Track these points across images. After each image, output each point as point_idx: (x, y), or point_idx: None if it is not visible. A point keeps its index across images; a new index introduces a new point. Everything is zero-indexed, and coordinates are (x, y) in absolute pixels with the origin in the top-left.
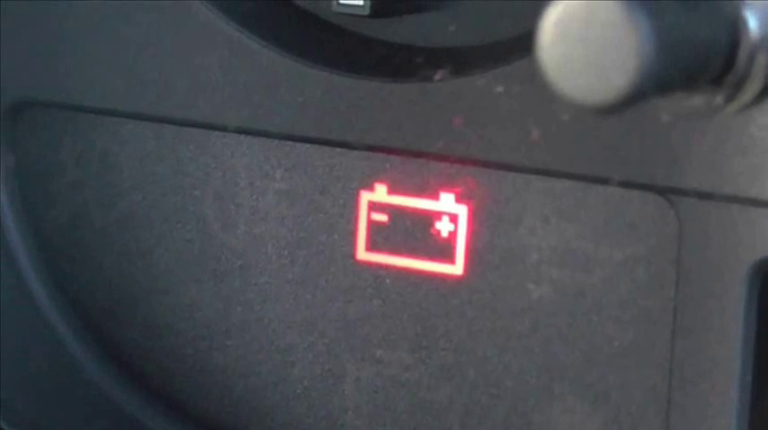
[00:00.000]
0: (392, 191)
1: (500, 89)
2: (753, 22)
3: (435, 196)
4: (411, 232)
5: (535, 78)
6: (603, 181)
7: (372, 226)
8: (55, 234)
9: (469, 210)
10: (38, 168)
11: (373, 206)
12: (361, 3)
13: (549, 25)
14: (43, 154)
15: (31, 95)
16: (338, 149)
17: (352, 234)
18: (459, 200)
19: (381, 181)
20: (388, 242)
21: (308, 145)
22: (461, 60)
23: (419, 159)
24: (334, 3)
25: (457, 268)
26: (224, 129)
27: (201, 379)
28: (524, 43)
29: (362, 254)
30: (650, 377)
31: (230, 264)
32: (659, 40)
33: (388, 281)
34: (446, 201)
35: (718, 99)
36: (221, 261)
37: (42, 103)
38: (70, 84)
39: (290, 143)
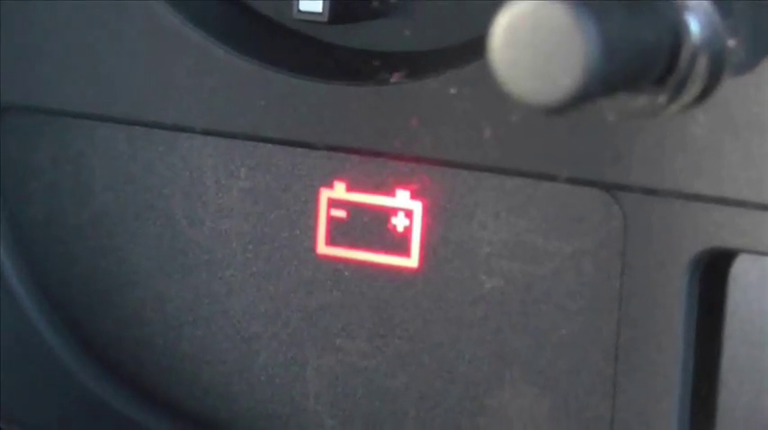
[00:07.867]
0: (350, 188)
1: (453, 91)
2: (694, 26)
3: (392, 193)
4: (369, 227)
5: (487, 80)
6: (551, 178)
7: (332, 221)
8: (32, 231)
9: (424, 206)
10: (15, 169)
11: (332, 203)
12: (320, 10)
13: (500, 29)
14: (21, 155)
15: (8, 100)
16: (299, 149)
17: (313, 229)
18: (414, 196)
19: (340, 179)
20: (347, 237)
21: (270, 145)
22: (416, 64)
23: (376, 158)
24: (295, 10)
25: (412, 261)
26: (191, 130)
27: (171, 367)
28: (476, 47)
29: (322, 248)
30: (597, 363)
31: (197, 258)
32: (605, 44)
33: (346, 274)
34: (402, 198)
35: (661, 99)
36: (189, 256)
37: (20, 108)
38: (46, 89)
39: (253, 143)
